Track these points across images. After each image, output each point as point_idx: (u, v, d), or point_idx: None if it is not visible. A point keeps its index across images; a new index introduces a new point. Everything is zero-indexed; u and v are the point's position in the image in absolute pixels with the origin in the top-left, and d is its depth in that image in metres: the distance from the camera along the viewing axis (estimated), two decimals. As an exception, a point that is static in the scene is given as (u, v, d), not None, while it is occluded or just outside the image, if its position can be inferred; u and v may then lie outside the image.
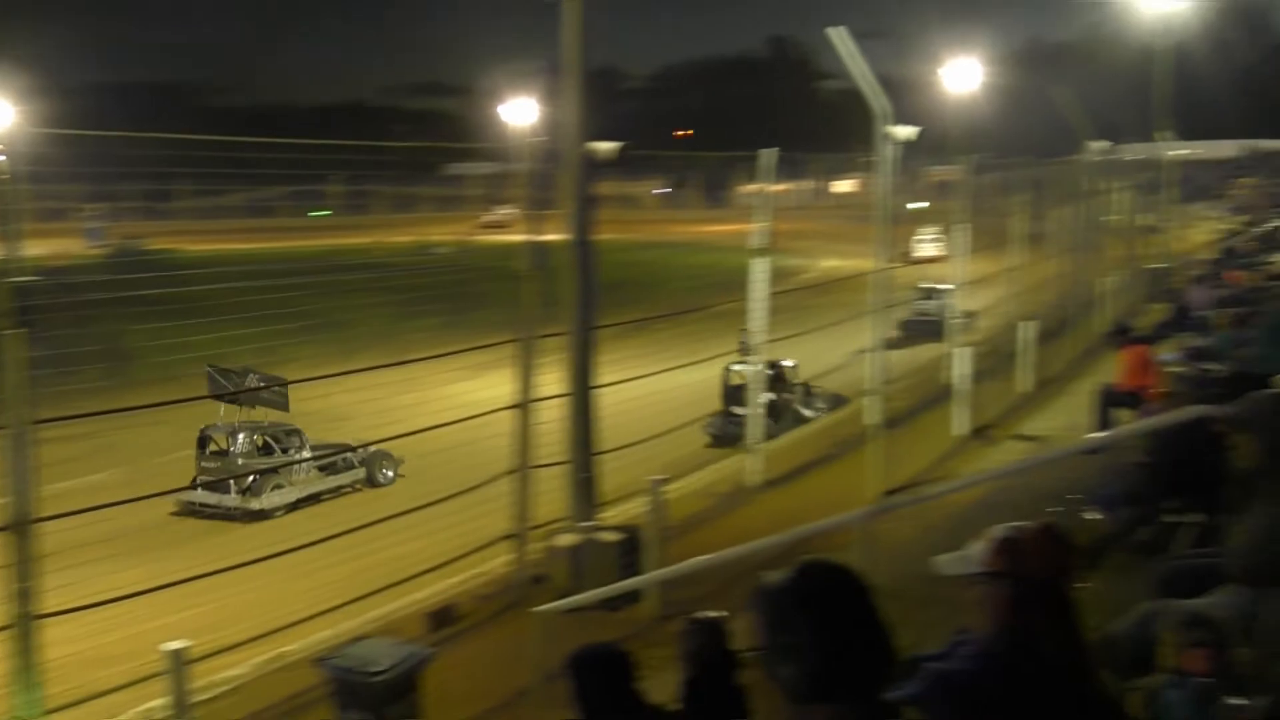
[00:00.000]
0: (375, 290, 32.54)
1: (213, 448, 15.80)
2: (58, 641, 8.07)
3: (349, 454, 15.72)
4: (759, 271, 13.82)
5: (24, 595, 7.64)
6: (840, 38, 12.26)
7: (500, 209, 72.15)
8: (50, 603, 7.88)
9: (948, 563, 3.15)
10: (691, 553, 9.24)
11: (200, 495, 14.82)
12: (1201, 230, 43.01)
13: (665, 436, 14.27)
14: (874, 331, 13.19)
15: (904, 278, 22.40)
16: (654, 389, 15.11)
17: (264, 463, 15.28)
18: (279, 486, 15.10)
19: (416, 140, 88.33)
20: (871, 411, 13.14)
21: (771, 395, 16.33)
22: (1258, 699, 3.65)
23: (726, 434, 16.42)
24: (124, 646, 8.98)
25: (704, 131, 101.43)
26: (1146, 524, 6.69)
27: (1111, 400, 12.24)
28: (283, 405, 15.86)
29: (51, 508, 8.09)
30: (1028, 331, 18.12)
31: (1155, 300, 25.19)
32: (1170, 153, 36.67)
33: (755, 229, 13.60)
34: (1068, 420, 14.59)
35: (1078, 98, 23.12)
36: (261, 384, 15.46)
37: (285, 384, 15.75)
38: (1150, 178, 35.80)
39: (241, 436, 15.42)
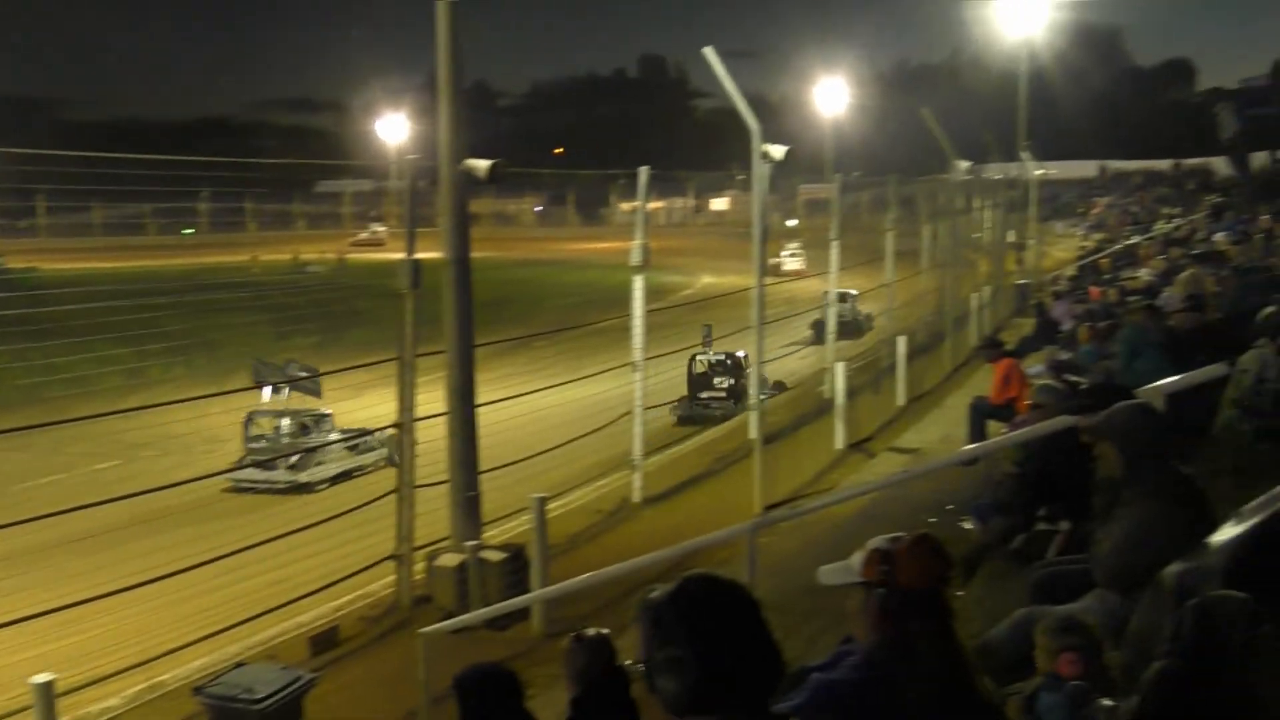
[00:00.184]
0: (249, 309, 31.82)
1: (255, 430, 17.21)
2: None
3: (369, 437, 16.84)
4: (638, 288, 13.88)
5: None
6: (713, 57, 12.43)
7: (372, 226, 71.50)
8: None
9: (829, 573, 3.20)
10: (577, 570, 9.23)
11: (250, 473, 16.14)
12: (1062, 247, 44.59)
13: (554, 452, 14.22)
14: (756, 345, 13.34)
15: (776, 293, 22.83)
16: (538, 405, 15.09)
17: (304, 443, 16.84)
18: (319, 463, 16.49)
19: (289, 157, 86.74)
20: (753, 426, 13.29)
21: (731, 380, 19.54)
22: (1127, 700, 3.77)
23: (693, 415, 18.94)
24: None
25: (580, 149, 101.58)
26: (1019, 532, 6.87)
27: (984, 413, 12.56)
28: (316, 392, 17.31)
29: None
30: (903, 346, 18.54)
31: (1022, 315, 25.99)
32: (1032, 172, 37.93)
33: (633, 246, 13.64)
34: (944, 432, 14.96)
35: (942, 118, 23.75)
36: (303, 374, 17.15)
37: (318, 375, 17.11)
38: (1013, 196, 36.98)
39: (286, 420, 17.09)
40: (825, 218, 23.09)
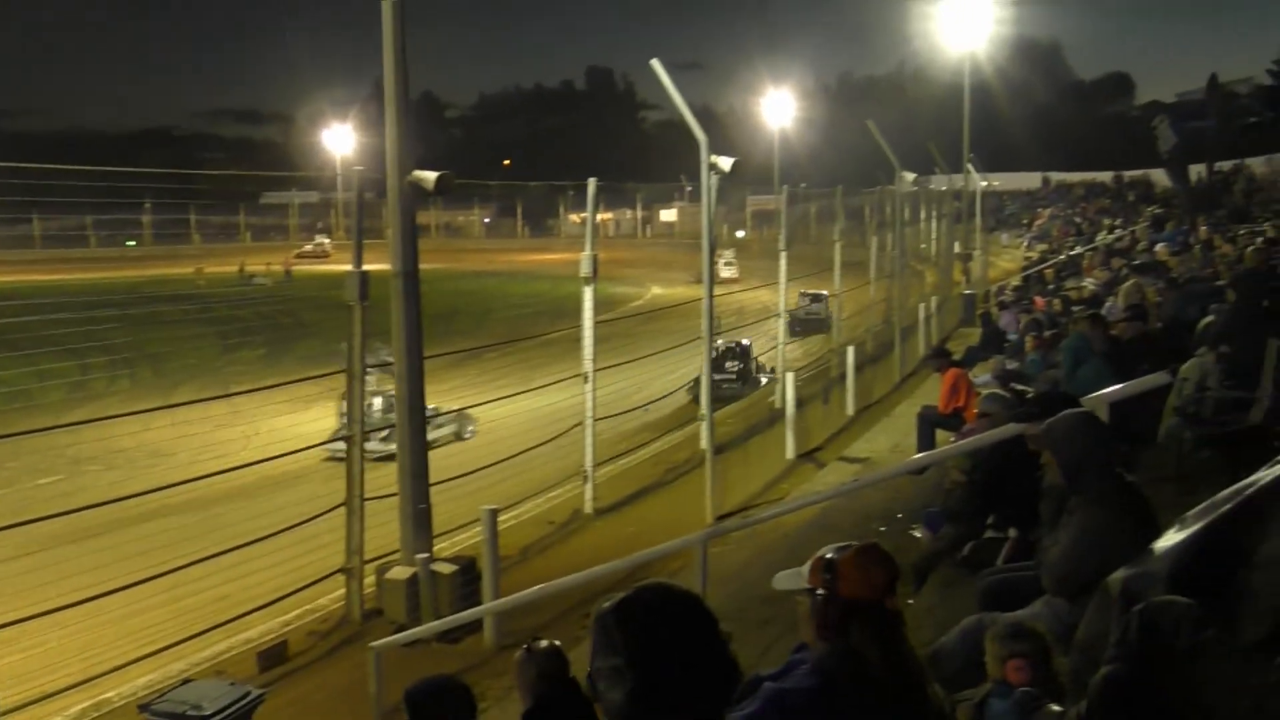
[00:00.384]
0: (194, 322, 31.47)
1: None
2: None
3: (440, 416, 17.99)
4: (588, 300, 13.89)
5: None
6: (660, 70, 12.48)
7: (316, 238, 71.02)
8: None
9: (783, 578, 3.22)
10: (529, 582, 9.21)
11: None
12: (1008, 257, 45.14)
13: (507, 464, 14.16)
14: (704, 358, 13.38)
15: (725, 304, 23.10)
16: (489, 417, 15.05)
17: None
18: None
19: (234, 168, 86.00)
20: (704, 437, 13.32)
21: (739, 364, 22.13)
22: (1075, 705, 3.82)
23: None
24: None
25: (528, 161, 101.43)
26: (969, 540, 6.93)
27: (932, 422, 12.67)
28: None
29: None
30: (852, 356, 18.69)
31: (969, 325, 26.27)
32: (977, 184, 38.39)
33: (582, 257, 13.65)
34: (893, 442, 15.07)
35: (888, 130, 24.00)
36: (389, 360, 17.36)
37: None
38: (959, 208, 37.40)
39: (379, 400, 18.13)
40: (774, 229, 23.32)
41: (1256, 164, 38.05)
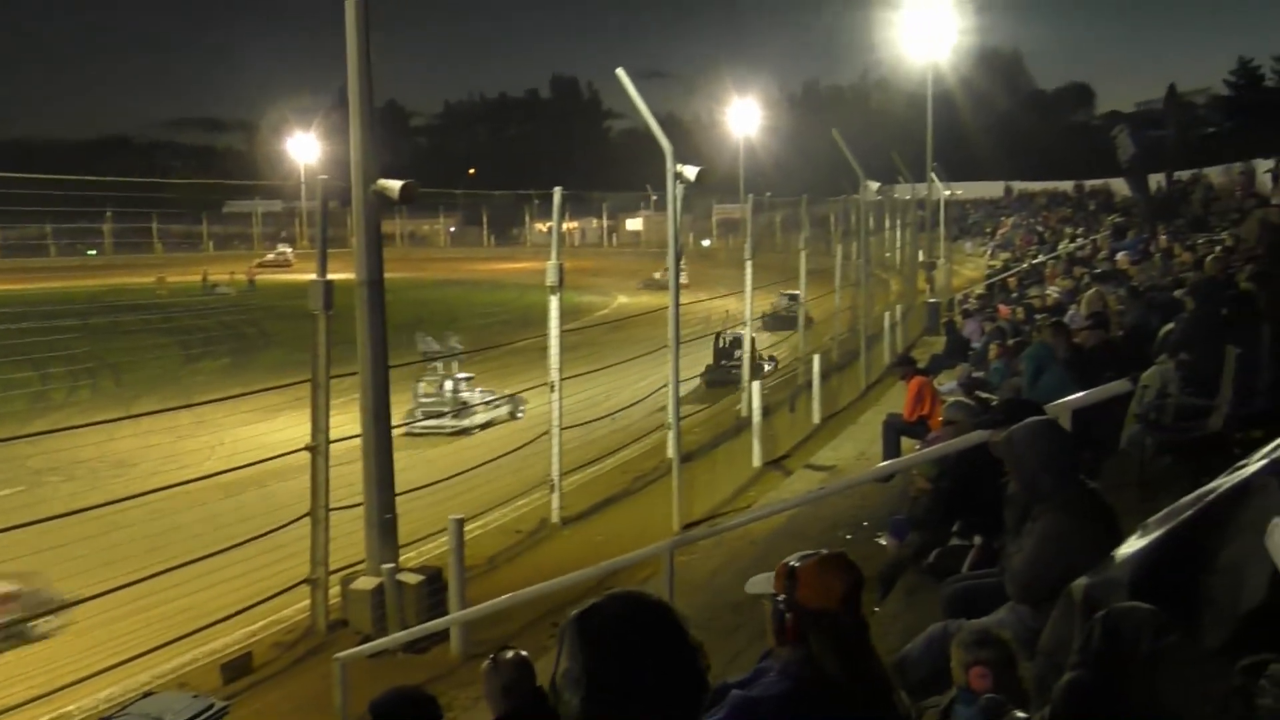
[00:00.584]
0: (156, 331, 31.17)
1: (426, 390, 21.98)
2: None
3: (499, 398, 21.31)
4: (554, 308, 13.88)
5: None
6: (625, 78, 12.51)
7: (278, 247, 70.57)
8: None
9: (754, 583, 3.24)
10: (496, 591, 9.17)
11: (424, 422, 20.48)
12: (971, 266, 45.45)
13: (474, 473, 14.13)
14: (671, 366, 13.39)
15: (690, 312, 23.29)
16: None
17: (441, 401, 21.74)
18: (472, 414, 21.12)
19: (196, 177, 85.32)
20: (671, 445, 13.34)
21: (743, 352, 23.37)
22: (1040, 710, 3.84)
23: (719, 379, 23.85)
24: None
25: (493, 169, 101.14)
26: (934, 548, 6.96)
27: (897, 430, 12.74)
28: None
29: None
30: (818, 365, 18.78)
31: (934, 333, 26.44)
32: (941, 193, 38.64)
33: (548, 266, 13.64)
34: (859, 449, 15.14)
35: (852, 139, 24.15)
36: (458, 348, 22.92)
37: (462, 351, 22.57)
38: (923, 216, 37.65)
39: (449, 383, 21.77)
40: (740, 238, 23.45)
41: (1214, 173, 38.46)
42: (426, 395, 22.05)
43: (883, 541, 8.26)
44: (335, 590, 10.54)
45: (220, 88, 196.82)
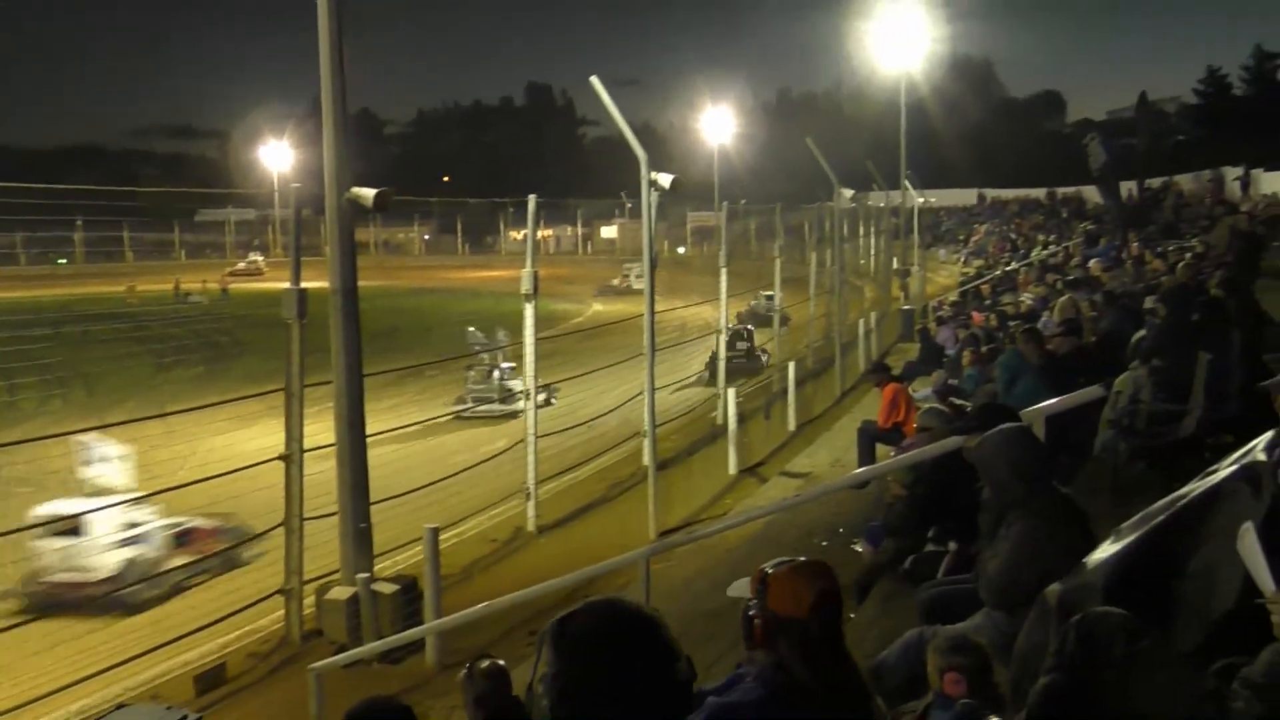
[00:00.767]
0: (128, 340, 30.92)
1: (475, 377, 24.02)
2: None
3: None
4: (529, 316, 13.87)
5: None
6: (599, 86, 12.52)
7: (250, 256, 70.23)
8: None
9: (737, 587, 3.25)
10: (472, 600, 9.14)
11: (475, 407, 22.64)
12: (945, 273, 45.68)
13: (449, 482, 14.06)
14: (646, 373, 13.38)
15: (665, 320, 23.35)
16: (430, 433, 14.95)
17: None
18: (516, 399, 21.27)
19: (168, 185, 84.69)
20: (646, 453, 13.33)
21: (746, 345, 26.42)
22: (1015, 715, 3.86)
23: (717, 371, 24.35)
24: None
25: (467, 177, 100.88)
26: (910, 554, 6.97)
27: (872, 436, 12.76)
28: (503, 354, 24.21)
29: None
30: (793, 372, 18.83)
31: (908, 340, 26.54)
32: (914, 200, 38.82)
33: (523, 274, 13.63)
34: (834, 456, 15.17)
35: (826, 147, 24.25)
36: (504, 341, 23.77)
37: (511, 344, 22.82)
38: (897, 224, 37.81)
39: (496, 372, 23.83)
40: (715, 246, 23.53)
41: (1185, 181, 38.86)
42: (476, 383, 24.43)
43: (858, 548, 8.27)
44: (310, 600, 10.47)
45: (192, 95, 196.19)
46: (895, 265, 37.32)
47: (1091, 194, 42.02)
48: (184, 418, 13.56)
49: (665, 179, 12.67)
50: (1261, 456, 3.57)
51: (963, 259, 48.83)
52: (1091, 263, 21.38)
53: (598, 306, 45.82)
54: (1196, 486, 3.66)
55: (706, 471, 15.71)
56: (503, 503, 14.38)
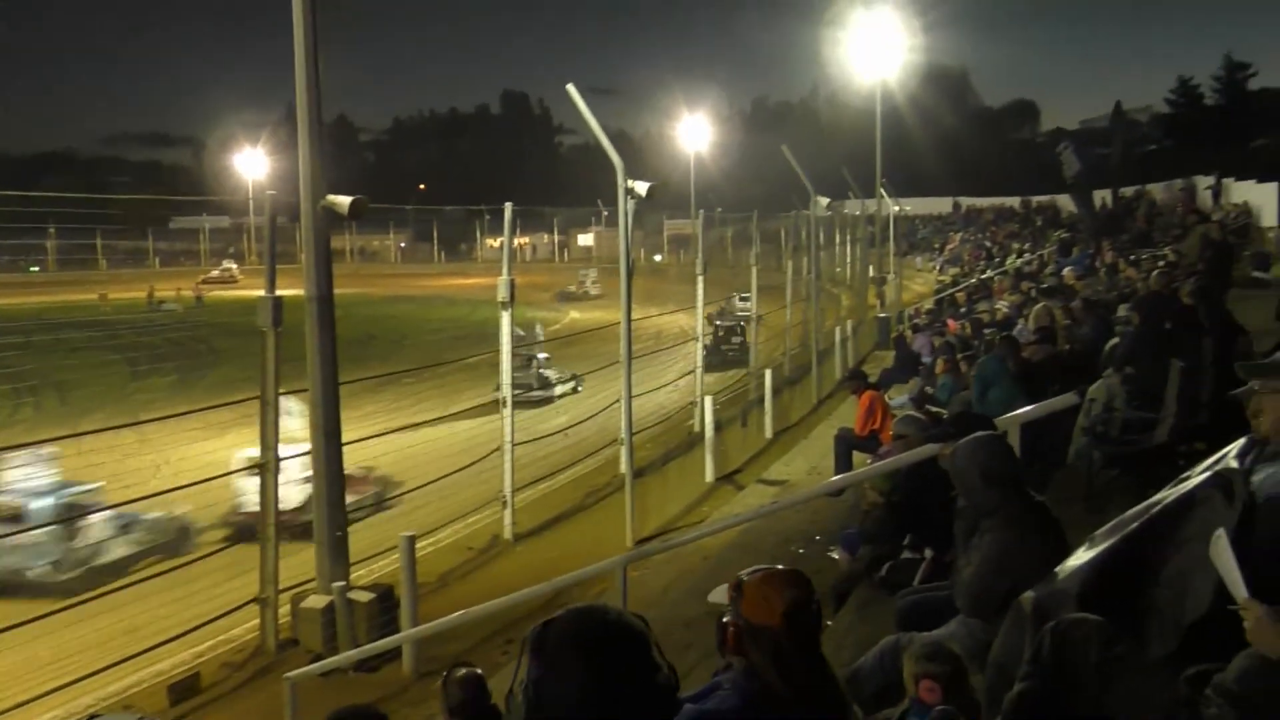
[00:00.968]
0: (101, 349, 30.71)
1: (517, 365, 22.86)
2: None
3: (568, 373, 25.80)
4: (505, 324, 13.84)
5: None
6: (576, 94, 12.53)
7: (224, 264, 69.88)
8: None
9: (718, 594, 3.26)
10: (448, 609, 9.10)
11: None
12: (921, 281, 45.86)
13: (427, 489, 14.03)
14: (623, 381, 13.38)
15: (642, 328, 23.45)
16: (408, 442, 14.89)
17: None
18: (552, 385, 24.87)
19: (142, 192, 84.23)
20: (623, 460, 13.32)
21: (739, 338, 28.27)
22: (991, 722, 3.87)
23: (717, 361, 26.61)
24: None
25: (443, 185, 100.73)
26: (886, 561, 6.99)
27: (849, 444, 12.78)
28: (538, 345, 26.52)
29: None
30: (770, 380, 18.85)
31: (884, 348, 26.63)
32: (890, 208, 38.97)
33: (499, 282, 13.60)
34: (811, 464, 15.20)
35: (802, 155, 24.31)
36: (540, 337, 26.79)
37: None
38: (873, 232, 37.95)
39: (535, 359, 25.29)
40: (691, 253, 23.58)
41: (1157, 190, 39.12)
42: (515, 371, 24.45)
43: (835, 555, 8.29)
44: (285, 609, 10.41)
45: (166, 102, 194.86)
46: (871, 273, 37.46)
47: (1065, 202, 42.25)
48: (157, 426, 13.47)
49: (642, 187, 12.69)
50: (1234, 463, 3.60)
51: (938, 267, 49.00)
52: (1066, 271, 21.48)
53: (575, 314, 45.82)
54: (1170, 494, 3.69)
55: (683, 479, 15.71)
56: (478, 511, 14.33)
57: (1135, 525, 3.66)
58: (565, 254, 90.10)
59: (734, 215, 38.32)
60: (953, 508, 5.56)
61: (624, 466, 13.45)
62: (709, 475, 15.71)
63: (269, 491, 10.50)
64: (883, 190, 37.68)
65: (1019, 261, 31.72)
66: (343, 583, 10.07)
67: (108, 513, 13.55)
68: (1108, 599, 3.47)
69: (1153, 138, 70.87)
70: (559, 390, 25.44)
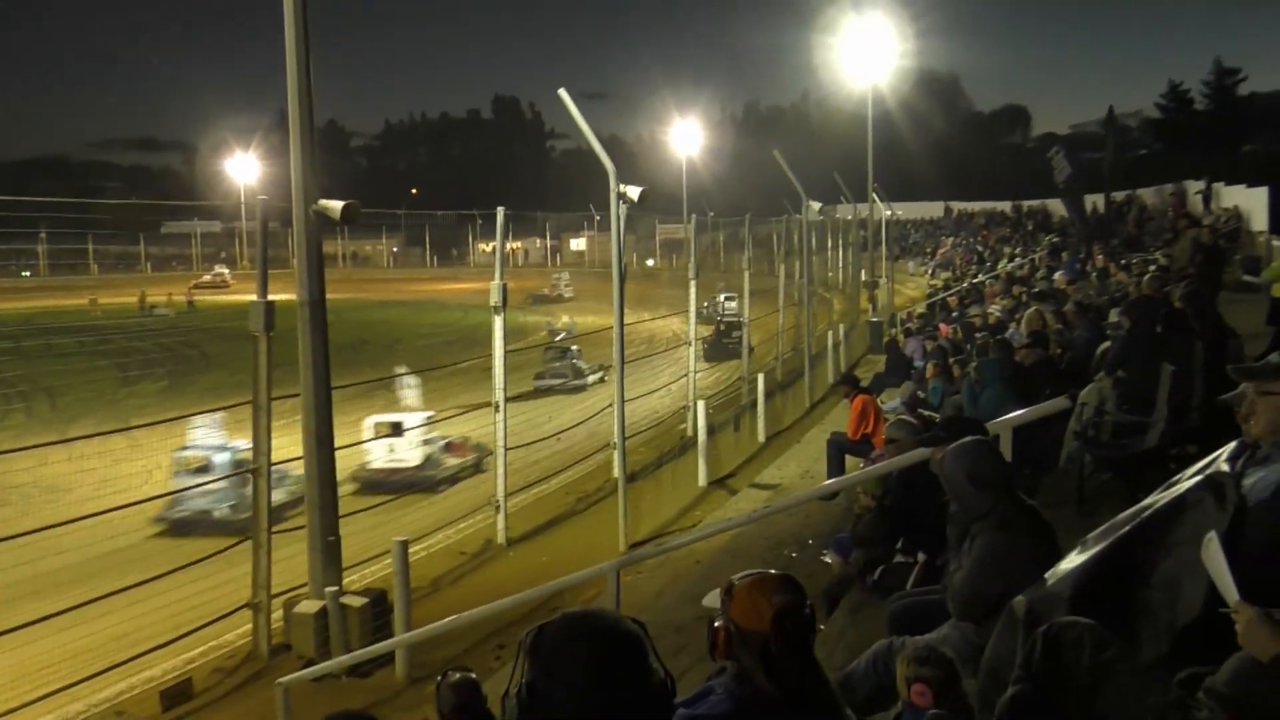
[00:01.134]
0: (93, 354, 30.65)
1: (551, 356, 28.28)
2: None
3: (596, 366, 27.64)
4: (498, 329, 13.83)
5: None
6: (567, 99, 12.54)
7: (215, 268, 69.84)
8: None
9: (712, 598, 3.26)
10: (441, 613, 9.08)
11: (550, 381, 26.57)
12: (913, 285, 45.93)
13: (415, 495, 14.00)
14: (615, 386, 13.38)
15: (634, 332, 23.47)
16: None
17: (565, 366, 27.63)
18: (585, 375, 27.23)
19: (133, 197, 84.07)
20: (616, 465, 13.32)
21: (739, 333, 27.53)
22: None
23: (717, 352, 29.11)
24: None
25: (434, 190, 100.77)
26: (878, 565, 7.00)
27: (841, 448, 12.79)
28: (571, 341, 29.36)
29: None
30: (762, 384, 18.86)
31: (877, 352, 26.66)
32: (882, 213, 38.99)
33: (492, 286, 13.60)
34: (803, 468, 15.19)
35: (793, 159, 24.35)
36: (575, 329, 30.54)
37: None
38: (865, 236, 38.00)
39: (570, 352, 27.97)
40: (684, 258, 23.60)
41: (1147, 194, 39.25)
42: (551, 362, 28.77)
43: (827, 559, 8.29)
44: (278, 614, 10.39)
45: (157, 107, 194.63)
46: (863, 277, 37.52)
47: (1056, 207, 42.41)
48: (149, 431, 13.44)
49: (634, 191, 12.70)
50: (1224, 467, 3.61)
51: (930, 271, 49.12)
52: (1057, 275, 21.54)
53: (566, 319, 45.84)
54: (1161, 497, 3.70)
55: (676, 483, 15.71)
56: (471, 515, 14.32)
57: (1127, 529, 3.67)
58: (558, 258, 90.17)
59: (726, 219, 38.38)
60: (945, 512, 5.57)
61: (617, 471, 13.45)
62: (702, 479, 15.71)
63: (261, 496, 10.48)
64: (874, 194, 37.71)
65: (1010, 266, 31.80)
66: (335, 587, 10.05)
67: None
68: (1100, 602, 3.48)
69: (1143, 142, 71.13)
70: (590, 379, 27.41)
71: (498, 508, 13.68)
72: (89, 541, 11.63)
